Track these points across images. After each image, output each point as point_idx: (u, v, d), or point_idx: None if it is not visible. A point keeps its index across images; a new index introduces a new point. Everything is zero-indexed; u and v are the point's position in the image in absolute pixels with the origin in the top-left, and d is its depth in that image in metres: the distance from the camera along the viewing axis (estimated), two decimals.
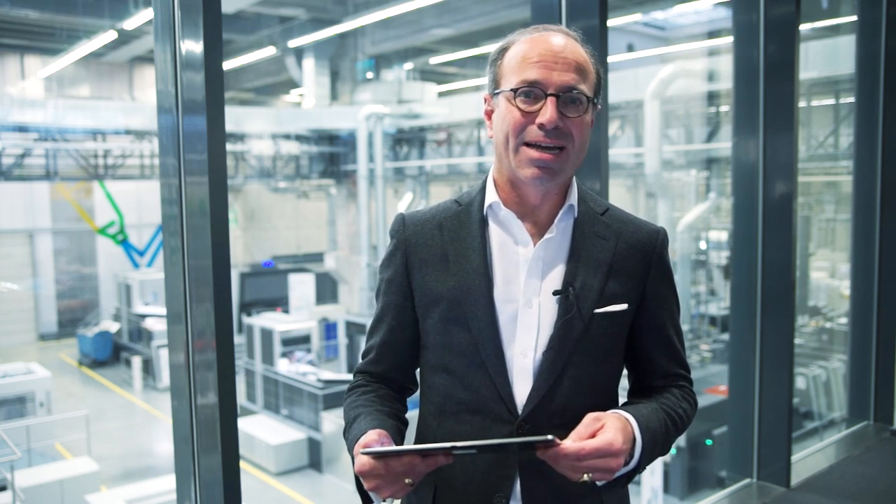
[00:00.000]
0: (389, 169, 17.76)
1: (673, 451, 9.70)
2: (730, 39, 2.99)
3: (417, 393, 1.43)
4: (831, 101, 11.97)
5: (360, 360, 1.42)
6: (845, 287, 11.03)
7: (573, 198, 1.30)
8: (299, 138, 18.28)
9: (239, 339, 14.90)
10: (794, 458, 2.90)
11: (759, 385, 2.84)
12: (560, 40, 1.23)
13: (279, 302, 17.86)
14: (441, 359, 1.31)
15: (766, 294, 2.83)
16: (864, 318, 3.60)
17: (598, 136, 2.08)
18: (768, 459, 2.84)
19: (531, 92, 1.21)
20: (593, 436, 1.12)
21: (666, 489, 9.48)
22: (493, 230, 1.30)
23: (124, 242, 20.80)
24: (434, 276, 1.30)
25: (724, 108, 12.63)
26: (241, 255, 22.52)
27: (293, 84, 20.10)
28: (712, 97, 13.11)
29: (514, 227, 1.28)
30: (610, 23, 2.14)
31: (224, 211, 1.66)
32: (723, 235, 13.83)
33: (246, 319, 15.50)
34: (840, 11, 10.34)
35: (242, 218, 23.52)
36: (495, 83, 1.28)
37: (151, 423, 14.85)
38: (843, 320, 11.42)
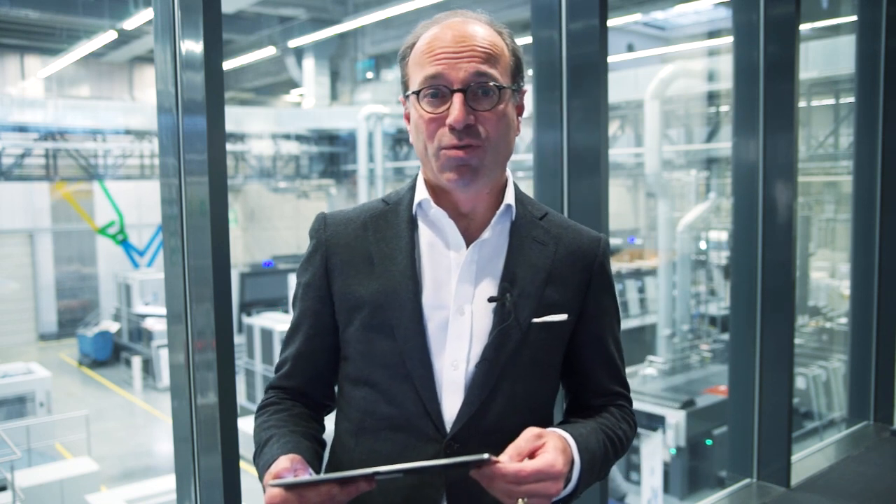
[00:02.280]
0: (389, 169, 17.75)
1: (672, 450, 9.69)
2: (730, 39, 2.98)
3: None
4: (831, 101, 11.99)
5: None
6: (845, 287, 11.02)
7: (510, 197, 1.20)
8: (299, 138, 18.29)
9: (239, 339, 14.89)
10: (794, 458, 2.89)
11: (759, 385, 2.83)
12: (461, 28, 1.12)
13: (279, 302, 17.85)
14: (362, 370, 1.18)
15: (766, 294, 2.82)
16: (864, 318, 3.60)
17: (599, 136, 2.07)
18: (768, 459, 2.83)
19: (436, 91, 1.10)
20: (533, 455, 1.02)
21: (666, 489, 9.48)
22: (423, 231, 1.19)
23: (124, 242, 20.77)
24: (357, 279, 1.18)
25: (724, 108, 12.64)
26: (241, 255, 22.50)
27: (293, 84, 20.11)
28: (712, 97, 13.13)
29: (446, 227, 1.17)
30: (610, 23, 2.14)
31: (224, 211, 1.66)
32: (723, 235, 13.82)
33: (246, 319, 15.50)
34: (840, 11, 10.35)
35: (242, 218, 23.51)
36: (405, 84, 1.18)
37: (151, 423, 14.84)
38: (843, 320, 11.42)
